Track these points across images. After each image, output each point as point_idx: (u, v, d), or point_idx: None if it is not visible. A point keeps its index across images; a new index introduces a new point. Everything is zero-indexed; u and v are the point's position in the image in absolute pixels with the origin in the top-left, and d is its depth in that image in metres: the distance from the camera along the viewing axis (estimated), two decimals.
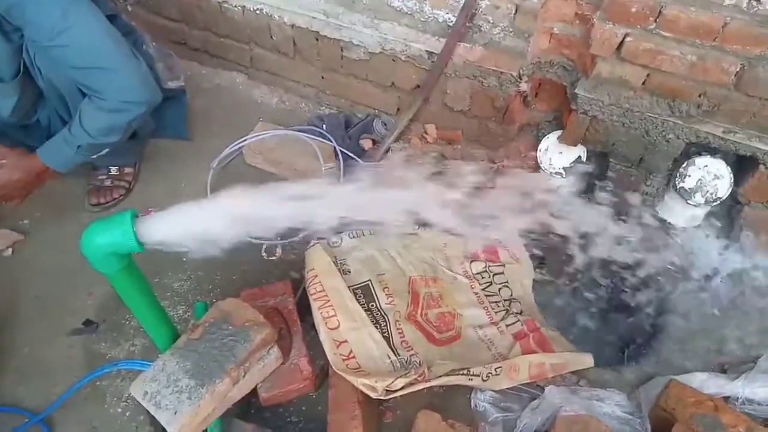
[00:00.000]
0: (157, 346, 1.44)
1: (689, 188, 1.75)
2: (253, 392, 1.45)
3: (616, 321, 1.73)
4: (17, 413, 1.54)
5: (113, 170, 2.03)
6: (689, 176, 1.75)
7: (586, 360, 1.56)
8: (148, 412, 1.29)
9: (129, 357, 1.65)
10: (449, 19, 1.89)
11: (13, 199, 1.74)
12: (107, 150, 1.71)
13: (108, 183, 2.02)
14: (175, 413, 1.25)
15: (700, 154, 1.74)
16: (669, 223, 1.90)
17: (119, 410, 1.55)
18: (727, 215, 1.88)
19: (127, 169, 2.06)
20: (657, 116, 1.67)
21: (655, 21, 1.53)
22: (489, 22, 1.85)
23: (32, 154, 1.69)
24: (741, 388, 1.49)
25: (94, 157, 1.72)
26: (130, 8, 2.44)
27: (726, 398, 1.49)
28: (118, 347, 1.67)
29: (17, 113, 1.69)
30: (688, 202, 1.77)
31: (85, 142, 1.63)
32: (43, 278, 1.83)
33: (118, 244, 1.07)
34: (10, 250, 1.89)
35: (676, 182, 1.77)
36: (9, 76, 1.59)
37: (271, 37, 2.23)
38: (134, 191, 2.08)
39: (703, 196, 1.75)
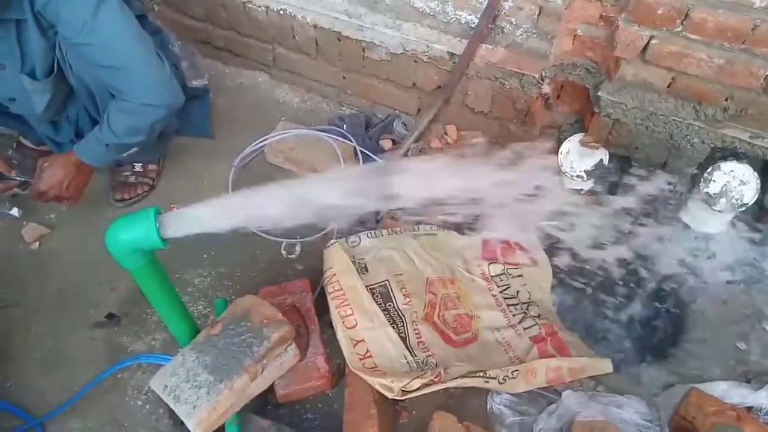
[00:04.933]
0: (177, 341, 1.46)
1: (714, 194, 1.72)
2: (270, 389, 1.46)
3: (637, 327, 1.70)
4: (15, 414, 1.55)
5: (137, 167, 2.06)
6: (714, 181, 1.72)
7: (605, 365, 1.55)
8: (168, 405, 1.31)
9: (150, 351, 1.68)
10: (472, 20, 1.88)
11: (68, 199, 1.79)
12: (136, 149, 1.74)
13: (132, 179, 2.06)
14: (194, 407, 1.26)
15: (725, 159, 1.71)
16: (692, 228, 1.87)
17: (139, 403, 1.58)
18: (754, 221, 1.85)
19: (151, 166, 2.09)
20: (682, 120, 1.64)
21: (682, 23, 1.50)
22: (512, 23, 1.84)
23: (70, 152, 1.74)
24: (765, 398, 1.46)
25: (125, 155, 1.76)
26: (156, 8, 2.48)
27: (749, 408, 1.46)
28: (139, 341, 1.70)
29: (50, 110, 1.74)
30: (713, 207, 1.73)
31: (112, 142, 1.67)
32: (67, 272, 1.87)
33: (142, 240, 1.09)
34: (37, 243, 1.94)
35: (701, 187, 1.74)
36: (43, 73, 1.62)
37: (294, 37, 2.24)
38: (157, 188, 2.11)
39: (728, 202, 1.71)
